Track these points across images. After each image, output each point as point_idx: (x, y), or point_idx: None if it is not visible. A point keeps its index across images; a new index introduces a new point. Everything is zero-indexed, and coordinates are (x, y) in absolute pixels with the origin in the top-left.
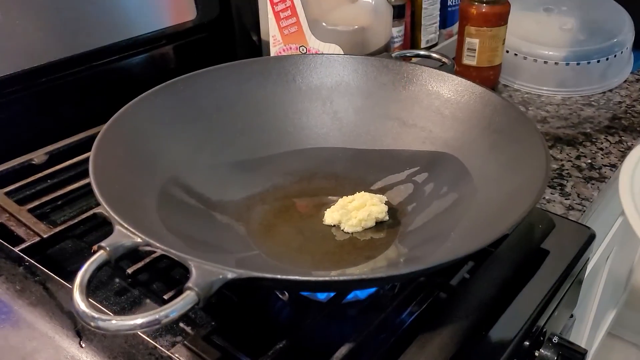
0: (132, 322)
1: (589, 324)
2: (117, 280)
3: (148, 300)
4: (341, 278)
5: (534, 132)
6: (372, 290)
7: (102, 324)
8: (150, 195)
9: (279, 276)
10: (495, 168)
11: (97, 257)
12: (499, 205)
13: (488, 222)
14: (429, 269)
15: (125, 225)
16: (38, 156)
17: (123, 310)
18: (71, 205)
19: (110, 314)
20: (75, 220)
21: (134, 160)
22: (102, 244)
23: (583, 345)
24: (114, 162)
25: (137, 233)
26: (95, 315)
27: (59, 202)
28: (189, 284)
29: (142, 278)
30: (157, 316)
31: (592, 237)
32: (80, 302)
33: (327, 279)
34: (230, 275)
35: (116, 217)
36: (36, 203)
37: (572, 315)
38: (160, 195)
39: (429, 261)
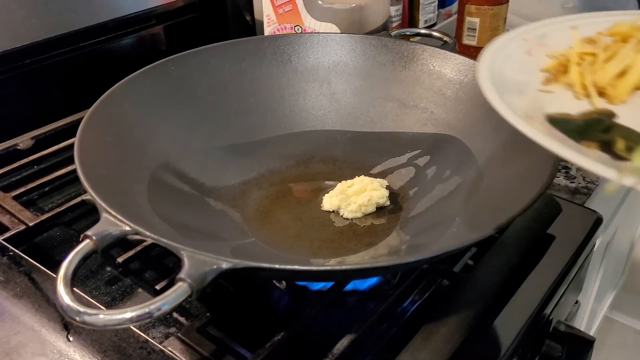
0: (120, 317)
1: (588, 307)
2: (108, 269)
3: (140, 290)
4: (341, 267)
5: None
6: (373, 280)
7: (88, 318)
8: (140, 181)
9: (276, 266)
10: (500, 150)
11: (83, 247)
12: (506, 189)
13: (494, 206)
14: (432, 257)
15: (113, 213)
16: (23, 141)
17: (114, 300)
18: (59, 191)
19: (101, 306)
20: (63, 208)
21: (122, 144)
22: (88, 232)
23: (584, 326)
24: (101, 146)
25: (125, 221)
26: (81, 309)
27: (46, 189)
28: (181, 274)
29: (133, 267)
30: (147, 310)
31: (599, 221)
32: (64, 295)
33: (326, 268)
34: (225, 265)
35: (103, 204)
36: (22, 190)
37: (577, 302)
38: (151, 181)
39: (432, 249)
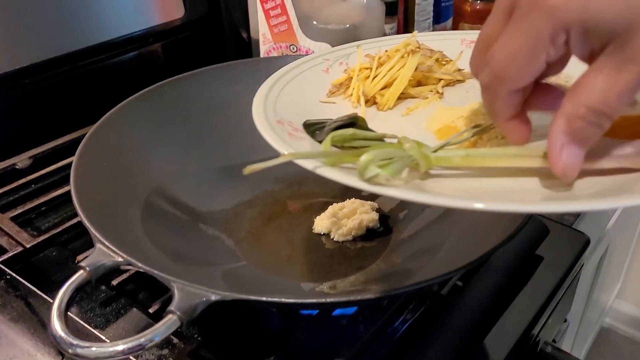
0: (112, 349)
1: (579, 326)
2: (103, 288)
3: (134, 310)
4: (327, 300)
5: None
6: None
7: (80, 351)
8: (134, 206)
9: (263, 298)
10: None
11: (76, 277)
12: (495, 214)
13: (483, 231)
14: (417, 286)
15: (107, 244)
16: (22, 160)
17: (108, 322)
18: (56, 211)
19: (94, 330)
20: (60, 229)
21: (118, 169)
22: (82, 263)
23: (572, 346)
24: (98, 172)
25: (118, 252)
26: (74, 341)
27: (43, 208)
28: (172, 307)
29: (128, 288)
30: (138, 342)
31: (587, 243)
32: (57, 327)
33: (311, 301)
34: (214, 297)
35: (97, 235)
36: (19, 210)
37: (565, 320)
38: (145, 206)
39: (417, 277)
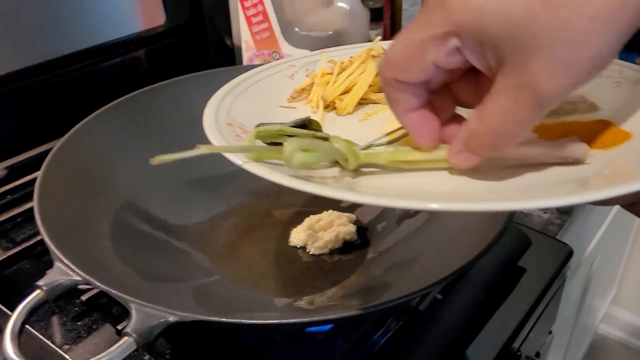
0: None
1: (571, 337)
2: (77, 301)
3: (107, 325)
4: (291, 321)
5: None
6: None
7: None
8: (103, 221)
9: (223, 319)
10: None
11: (33, 297)
12: (473, 226)
13: (462, 242)
14: (398, 299)
15: (65, 261)
16: None
17: (79, 337)
18: (32, 222)
19: (59, 350)
20: (32, 242)
21: (87, 183)
22: (39, 282)
23: (563, 355)
24: (65, 186)
25: (76, 270)
26: None
27: (19, 219)
28: (128, 329)
29: (101, 301)
30: None
31: (570, 254)
32: (10, 350)
33: (277, 321)
34: (172, 319)
35: (56, 251)
36: None
37: (550, 332)
38: (114, 221)
39: (398, 289)
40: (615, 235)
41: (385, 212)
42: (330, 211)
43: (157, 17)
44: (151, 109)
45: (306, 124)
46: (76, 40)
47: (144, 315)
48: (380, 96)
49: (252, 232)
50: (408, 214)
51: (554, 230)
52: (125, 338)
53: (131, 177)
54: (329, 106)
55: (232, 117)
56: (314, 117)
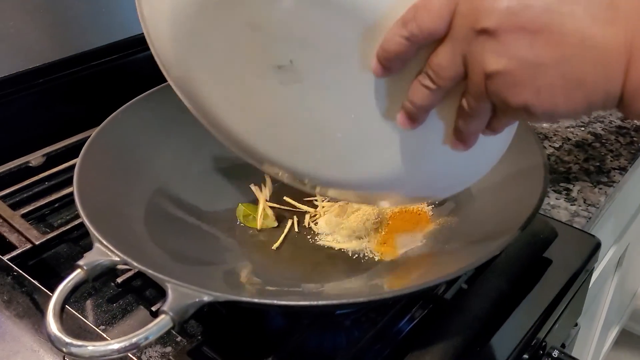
0: (106, 348)
1: (597, 330)
2: (112, 284)
3: (141, 308)
4: (322, 303)
5: (534, 143)
6: None
7: (75, 350)
8: (138, 205)
9: (255, 300)
10: (493, 176)
11: (74, 276)
12: (495, 219)
13: (483, 236)
14: (420, 288)
15: (104, 243)
16: (35, 158)
17: (114, 318)
18: (68, 207)
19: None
20: (69, 226)
21: (122, 169)
22: (80, 262)
23: (591, 353)
24: (102, 172)
25: (115, 251)
26: (68, 340)
27: (56, 205)
28: (164, 307)
29: (135, 284)
30: (132, 341)
31: (597, 246)
32: (53, 326)
33: (305, 303)
34: (206, 298)
35: (95, 233)
36: (31, 207)
37: (576, 324)
38: (148, 205)
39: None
40: None
41: None
42: None
43: None
44: None
45: None
46: (108, 33)
47: (180, 294)
48: None
49: (281, 219)
50: (435, 203)
51: (581, 222)
52: (162, 316)
53: (164, 164)
54: None
55: None
56: None
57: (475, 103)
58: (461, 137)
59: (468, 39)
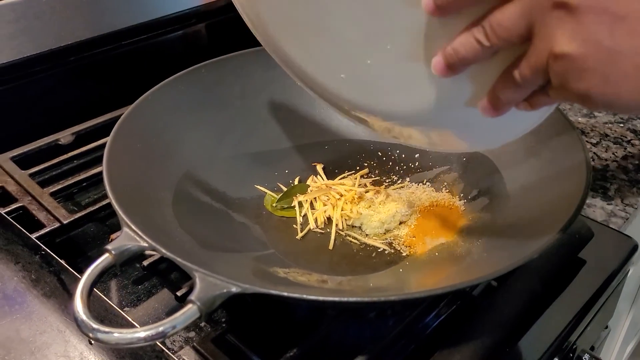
0: (132, 336)
1: (623, 331)
2: (137, 266)
3: (165, 291)
4: (352, 299)
5: (576, 141)
6: None
7: (101, 336)
8: (166, 189)
9: (284, 294)
10: (529, 174)
11: (102, 260)
12: (531, 219)
13: (518, 236)
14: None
15: (133, 228)
16: (64, 136)
17: (139, 300)
18: (97, 186)
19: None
20: (97, 206)
21: (151, 152)
22: (108, 247)
23: (614, 355)
24: (131, 154)
25: (144, 237)
26: (95, 326)
27: (85, 184)
28: (192, 297)
29: (160, 267)
30: (159, 330)
31: (634, 249)
32: (80, 310)
33: (339, 299)
34: (234, 290)
35: (125, 218)
36: (60, 186)
37: (607, 327)
38: (176, 189)
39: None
40: None
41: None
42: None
43: None
44: (212, 82)
45: None
46: (140, 12)
47: (208, 284)
48: None
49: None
50: (467, 198)
51: (617, 223)
52: (190, 305)
53: (193, 148)
54: None
55: None
56: None
57: (530, 75)
58: (495, 104)
59: (543, 9)
